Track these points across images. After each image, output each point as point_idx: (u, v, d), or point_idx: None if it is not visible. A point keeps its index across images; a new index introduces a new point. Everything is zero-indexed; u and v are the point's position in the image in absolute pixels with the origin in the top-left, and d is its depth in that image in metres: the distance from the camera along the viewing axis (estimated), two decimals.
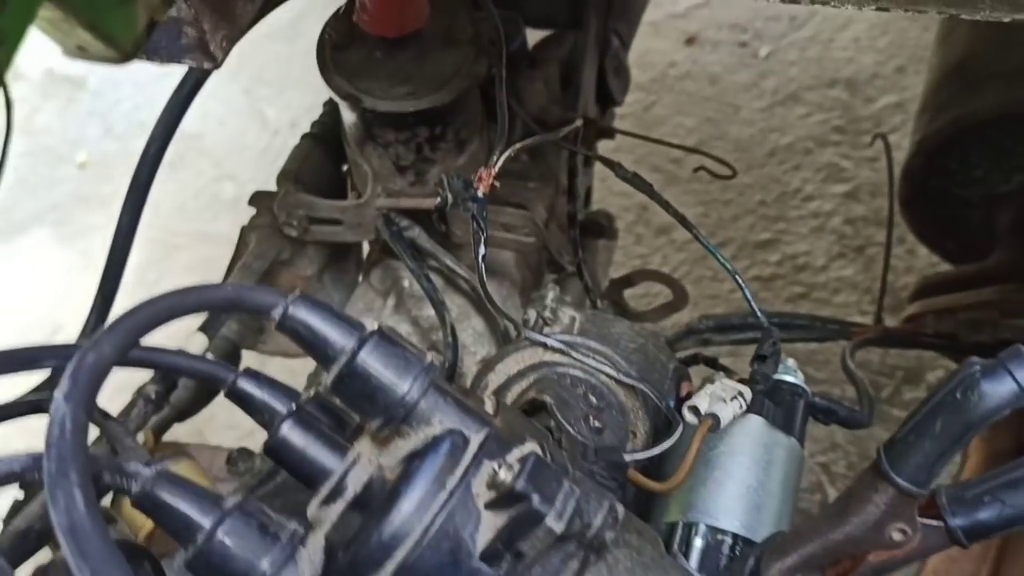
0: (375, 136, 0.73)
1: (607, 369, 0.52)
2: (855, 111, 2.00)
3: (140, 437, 0.77)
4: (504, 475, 0.40)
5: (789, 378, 0.67)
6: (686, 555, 0.54)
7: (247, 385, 0.49)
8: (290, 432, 0.45)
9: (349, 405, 0.43)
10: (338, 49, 0.70)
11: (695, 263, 1.82)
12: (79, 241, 2.09)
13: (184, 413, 0.80)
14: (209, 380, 0.50)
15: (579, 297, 0.86)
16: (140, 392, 0.71)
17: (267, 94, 2.28)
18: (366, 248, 0.93)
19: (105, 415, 0.64)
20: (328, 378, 0.42)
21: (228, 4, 0.47)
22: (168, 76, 2.45)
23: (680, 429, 0.51)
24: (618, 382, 0.53)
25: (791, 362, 0.69)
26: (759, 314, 0.60)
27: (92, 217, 2.15)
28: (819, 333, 0.91)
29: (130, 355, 0.50)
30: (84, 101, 2.35)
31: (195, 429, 0.94)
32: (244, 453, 0.77)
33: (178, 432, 0.85)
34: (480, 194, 0.57)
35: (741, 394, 0.53)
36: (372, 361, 0.42)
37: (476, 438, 0.42)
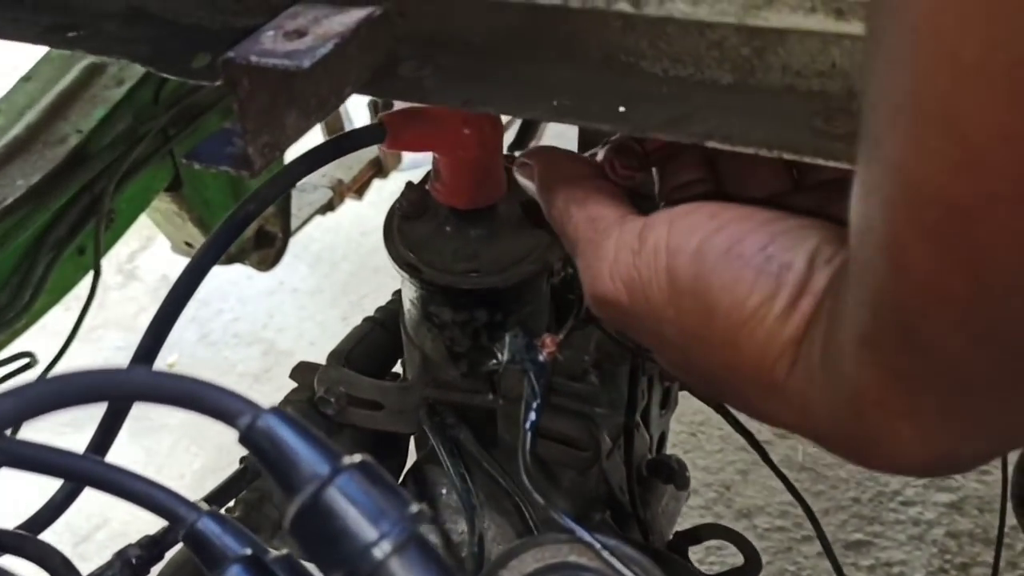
0: (431, 315, 0.68)
1: None
2: None
3: None
4: None
5: None
6: None
7: (209, 527, 0.41)
8: None
9: (308, 554, 0.35)
10: (408, 219, 0.67)
11: (777, 554, 1.66)
12: (147, 438, 2.07)
13: None
14: (165, 515, 0.42)
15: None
16: (120, 554, 0.63)
17: None
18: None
19: (70, 569, 0.56)
20: (288, 513, 0.34)
21: (278, 114, 0.43)
22: (273, 293, 2.50)
23: None
24: None
25: None
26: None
27: (167, 417, 2.14)
28: None
29: (78, 467, 0.44)
30: (189, 308, 2.41)
31: None
32: None
33: None
34: (542, 358, 0.51)
35: None
36: (342, 497, 0.34)
37: None
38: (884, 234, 0.29)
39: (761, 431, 1.96)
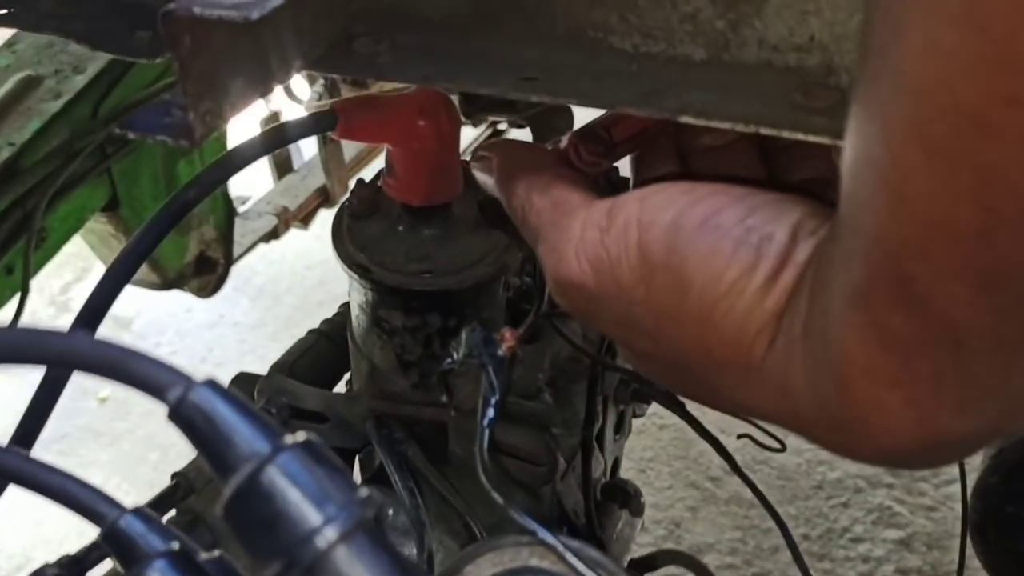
0: (381, 321, 0.64)
1: None
2: None
3: None
4: None
5: None
6: None
7: (133, 525, 0.37)
8: None
9: (243, 543, 0.31)
10: (358, 218, 0.64)
11: None
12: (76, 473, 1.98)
13: None
14: (85, 512, 0.38)
15: None
16: (36, 574, 0.57)
17: None
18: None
19: None
20: (223, 496, 0.31)
21: (222, 78, 0.40)
22: (213, 327, 2.43)
23: None
24: None
25: None
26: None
27: (98, 453, 2.06)
28: None
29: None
30: (125, 340, 2.34)
31: None
32: None
33: None
34: (501, 352, 0.48)
35: None
36: (282, 478, 0.30)
37: None
38: (884, 162, 0.27)
39: (711, 468, 1.94)
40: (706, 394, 0.42)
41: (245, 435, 0.31)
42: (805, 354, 0.34)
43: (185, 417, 0.31)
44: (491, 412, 0.46)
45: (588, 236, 0.41)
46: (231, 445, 0.31)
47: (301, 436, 0.32)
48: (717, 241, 0.37)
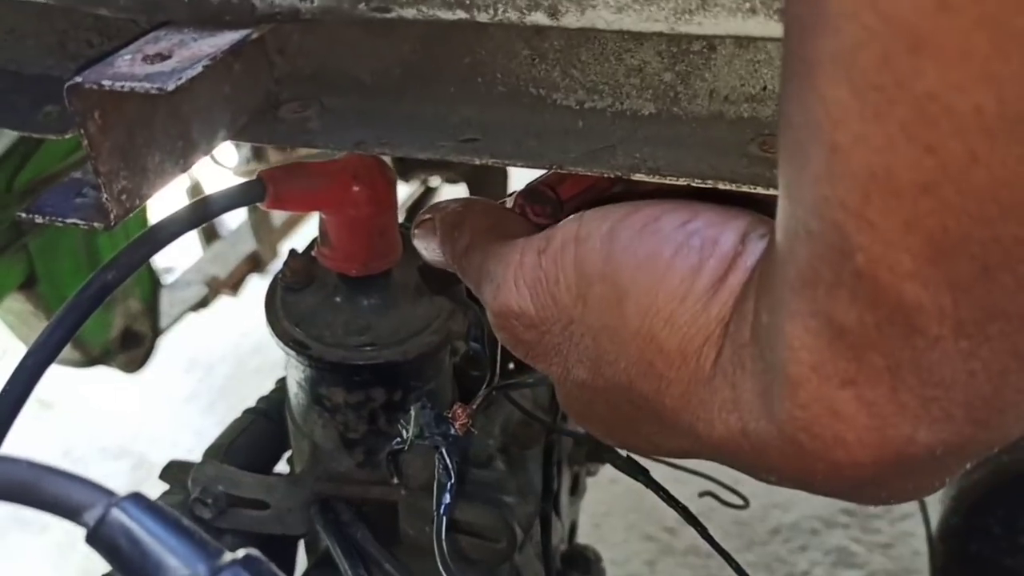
0: (322, 398, 0.61)
1: None
2: None
3: None
4: None
5: None
6: None
7: None
8: None
9: None
10: (292, 291, 0.60)
11: None
12: (2, 564, 1.87)
13: None
14: None
15: None
16: None
17: None
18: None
19: None
20: None
21: (137, 154, 0.37)
22: (144, 402, 2.34)
23: None
24: None
25: None
26: None
27: (27, 542, 1.95)
28: None
29: None
30: (49, 420, 2.24)
31: None
32: None
33: None
34: (454, 431, 0.45)
35: None
36: None
37: None
38: (814, 109, 0.24)
39: (665, 519, 1.91)
40: (649, 429, 0.38)
41: (178, 555, 0.27)
42: (754, 359, 0.31)
43: (107, 540, 0.27)
44: (447, 498, 0.43)
45: (527, 260, 0.39)
46: (162, 570, 0.27)
47: (240, 553, 0.28)
48: (656, 246, 0.34)
